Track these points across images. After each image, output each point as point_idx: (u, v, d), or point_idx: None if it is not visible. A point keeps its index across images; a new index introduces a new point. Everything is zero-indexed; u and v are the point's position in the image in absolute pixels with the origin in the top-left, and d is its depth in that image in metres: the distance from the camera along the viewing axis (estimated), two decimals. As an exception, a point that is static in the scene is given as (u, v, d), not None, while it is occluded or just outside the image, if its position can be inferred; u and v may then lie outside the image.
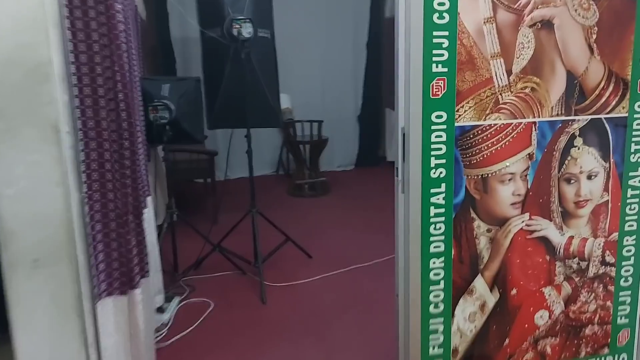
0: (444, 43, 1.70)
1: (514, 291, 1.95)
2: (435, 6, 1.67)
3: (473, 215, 1.86)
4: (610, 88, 1.91)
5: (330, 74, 7.38)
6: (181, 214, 3.95)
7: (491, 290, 1.92)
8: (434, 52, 1.69)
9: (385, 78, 7.76)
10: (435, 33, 1.68)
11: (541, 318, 2.01)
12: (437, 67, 1.71)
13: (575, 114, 1.89)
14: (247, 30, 3.57)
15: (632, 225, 2.04)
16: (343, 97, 7.54)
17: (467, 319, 1.92)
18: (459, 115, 1.77)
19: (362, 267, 4.11)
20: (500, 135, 1.82)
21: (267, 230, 4.19)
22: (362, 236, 4.83)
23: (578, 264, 2.01)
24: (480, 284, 1.90)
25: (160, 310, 3.29)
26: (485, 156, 1.82)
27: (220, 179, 5.90)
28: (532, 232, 1.92)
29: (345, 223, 5.23)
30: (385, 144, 7.93)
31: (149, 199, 3.08)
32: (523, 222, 1.90)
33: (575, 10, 1.81)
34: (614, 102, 1.92)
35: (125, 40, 1.89)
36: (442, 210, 1.80)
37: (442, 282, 1.85)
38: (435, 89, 1.71)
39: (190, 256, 4.06)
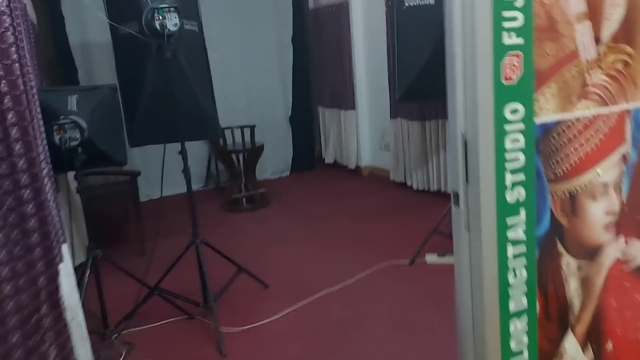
0: (516, 0, 1.13)
1: (609, 345, 1.43)
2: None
3: (560, 249, 1.31)
4: None
5: (254, 73, 6.72)
6: (105, 252, 3.17)
7: (584, 350, 1.39)
8: (504, 13, 1.12)
9: (315, 74, 7.20)
10: (504, -13, 1.11)
11: (640, 374, 1.50)
12: (509, 37, 1.13)
13: (672, 95, 1.39)
14: (172, 22, 2.86)
15: None
16: (271, 97, 6.91)
17: (557, 394, 1.37)
18: (539, 107, 1.21)
19: (330, 293, 3.51)
20: (590, 131, 1.28)
21: (211, 258, 3.49)
22: (318, 253, 4.23)
23: (677, 294, 1.52)
24: (571, 343, 1.36)
25: (93, 388, 2.54)
26: (573, 164, 1.27)
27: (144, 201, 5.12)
28: (629, 261, 1.41)
29: (296, 238, 4.62)
30: (321, 145, 7.37)
31: (65, 247, 2.32)
32: (619, 249, 1.38)
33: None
34: None
35: (14, 40, 1.19)
36: (523, 248, 1.24)
37: (525, 352, 1.29)
38: (509, 69, 1.14)
39: (120, 303, 3.30)
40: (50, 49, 5.47)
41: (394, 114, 5.76)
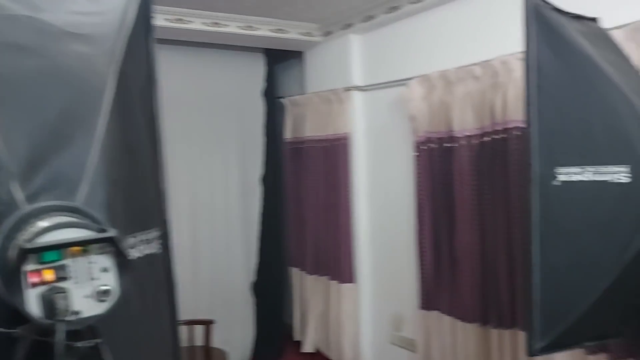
0: None
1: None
2: None
3: None
4: None
5: (209, 227, 4.72)
6: None
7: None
8: None
9: (290, 226, 5.25)
10: None
11: None
12: None
13: None
14: (93, 289, 0.86)
15: None
16: (228, 259, 4.89)
17: None
18: None
19: None
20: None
21: None
22: None
23: None
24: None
25: None
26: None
27: None
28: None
29: None
30: (291, 321, 5.27)
31: None
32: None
33: None
34: None
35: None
36: None
37: None
38: None
39: None
40: None
41: (425, 303, 3.85)
